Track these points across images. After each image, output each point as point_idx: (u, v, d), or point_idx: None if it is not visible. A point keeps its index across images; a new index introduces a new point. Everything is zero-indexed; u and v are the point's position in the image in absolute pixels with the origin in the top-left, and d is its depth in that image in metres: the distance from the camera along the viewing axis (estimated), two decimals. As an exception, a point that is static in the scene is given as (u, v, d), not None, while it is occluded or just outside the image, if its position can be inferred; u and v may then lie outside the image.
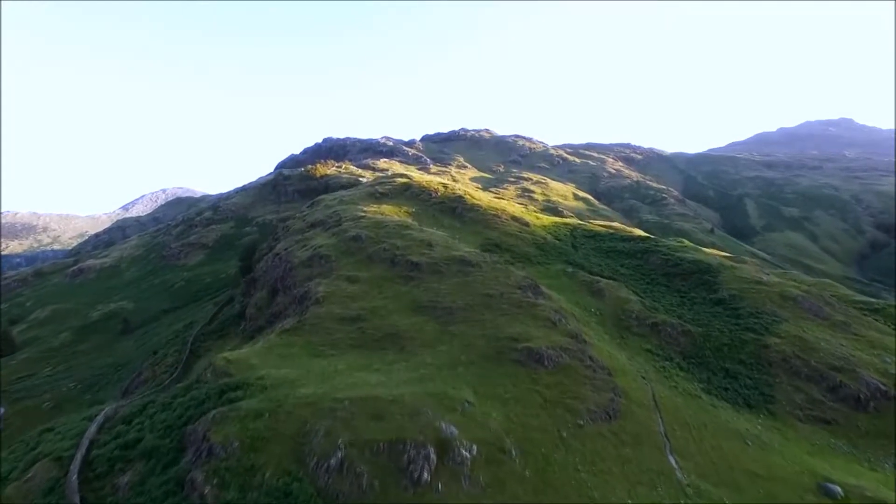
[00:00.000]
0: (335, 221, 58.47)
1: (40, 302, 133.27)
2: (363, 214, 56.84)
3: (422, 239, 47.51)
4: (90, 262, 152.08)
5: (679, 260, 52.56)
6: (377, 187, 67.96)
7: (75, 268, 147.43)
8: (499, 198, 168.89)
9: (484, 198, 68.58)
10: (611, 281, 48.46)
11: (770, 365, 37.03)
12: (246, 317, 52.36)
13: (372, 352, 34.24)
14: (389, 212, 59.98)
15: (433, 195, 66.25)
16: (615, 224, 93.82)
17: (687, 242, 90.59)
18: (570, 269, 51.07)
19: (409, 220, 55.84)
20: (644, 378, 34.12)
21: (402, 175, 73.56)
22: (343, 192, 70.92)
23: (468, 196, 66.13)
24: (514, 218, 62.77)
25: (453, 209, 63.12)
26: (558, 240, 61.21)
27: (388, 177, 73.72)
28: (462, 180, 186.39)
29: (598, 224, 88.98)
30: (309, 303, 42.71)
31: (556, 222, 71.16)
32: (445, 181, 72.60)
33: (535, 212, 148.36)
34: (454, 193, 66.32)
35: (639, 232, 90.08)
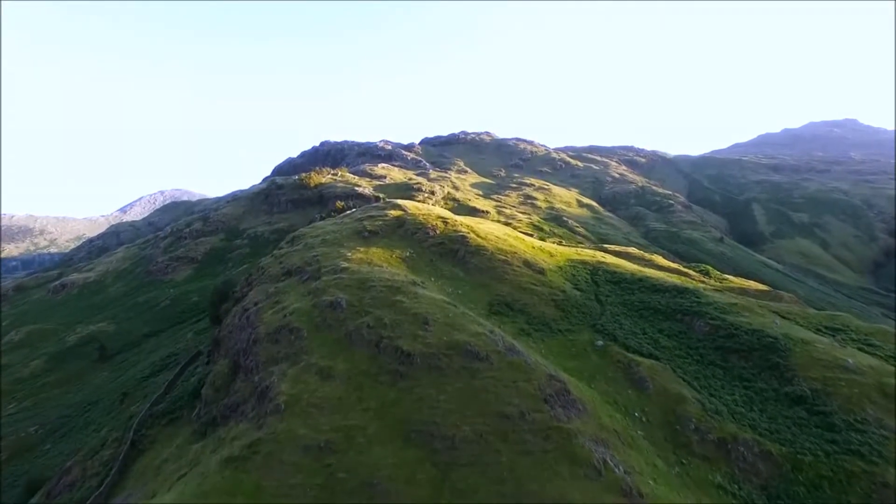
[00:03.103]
0: (313, 272, 47.07)
1: (18, 321, 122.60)
2: (346, 265, 45.42)
3: (416, 312, 36.28)
4: (74, 276, 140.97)
5: (732, 328, 41.30)
6: (365, 223, 56.41)
7: (58, 283, 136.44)
8: (501, 206, 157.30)
9: (490, 234, 57.06)
10: (653, 361, 37.28)
11: (894, 516, 26.01)
12: (202, 398, 41.37)
13: (341, 519, 23.23)
14: (378, 258, 48.64)
15: (431, 234, 54.70)
16: (632, 250, 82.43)
17: (713, 272, 79.61)
18: (599, 342, 39.87)
19: (402, 274, 44.44)
20: (729, 555, 23.08)
21: (395, 206, 61.87)
22: (329, 226, 59.39)
23: (472, 235, 54.58)
24: (527, 263, 51.35)
25: (455, 252, 51.67)
26: (579, 290, 49.87)
27: (379, 208, 62.12)
28: (462, 187, 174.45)
29: (614, 253, 77.62)
30: (269, 407, 31.62)
31: (572, 259, 59.68)
32: (445, 215, 60.93)
33: (539, 221, 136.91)
34: (455, 231, 54.79)
35: (660, 260, 78.79)
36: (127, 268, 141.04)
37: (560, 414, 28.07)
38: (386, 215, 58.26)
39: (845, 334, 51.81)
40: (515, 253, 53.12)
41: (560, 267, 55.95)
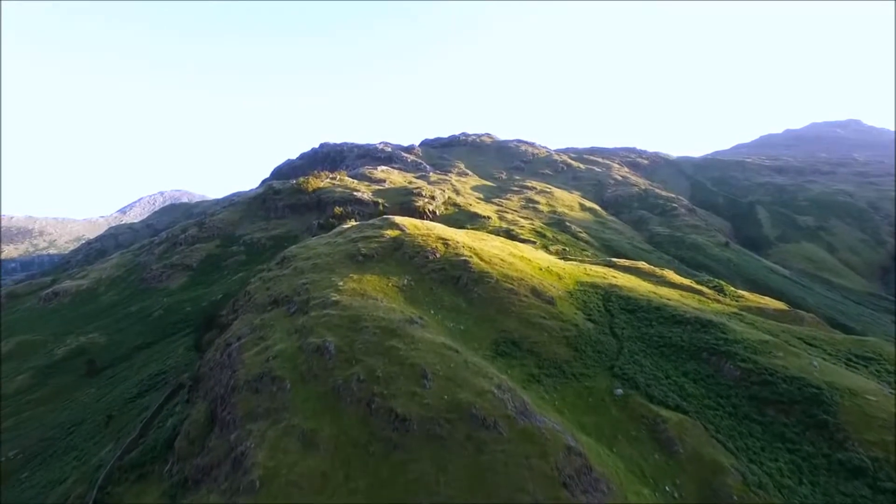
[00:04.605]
0: (301, 303, 42.20)
1: (8, 331, 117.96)
2: (337, 298, 40.54)
3: (413, 362, 31.47)
4: (67, 283, 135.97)
5: (767, 373, 36.33)
6: (360, 244, 51.38)
7: (50, 290, 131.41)
8: (502, 211, 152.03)
9: (495, 257, 52.05)
10: (681, 416, 32.46)
11: None
12: (175, 451, 36.59)
13: None
14: (373, 288, 43.71)
15: (430, 257, 49.67)
16: (641, 265, 77.50)
17: (728, 288, 74.60)
18: (618, 390, 35.02)
19: (398, 309, 39.51)
20: None
21: (392, 224, 56.81)
22: (321, 247, 54.42)
23: (474, 259, 49.58)
24: (535, 291, 46.39)
25: (456, 279, 46.69)
26: (592, 321, 44.96)
27: (375, 227, 57.04)
28: (463, 190, 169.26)
29: (624, 268, 72.72)
30: (243, 480, 26.80)
31: (582, 283, 54.74)
32: (446, 236, 55.85)
33: (542, 227, 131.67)
34: (457, 255, 49.74)
35: (672, 276, 73.82)
36: (121, 275, 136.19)
37: (582, 503, 23.20)
38: (382, 236, 53.15)
39: (879, 364, 47.24)
40: (522, 279, 48.10)
41: (570, 293, 50.93)
